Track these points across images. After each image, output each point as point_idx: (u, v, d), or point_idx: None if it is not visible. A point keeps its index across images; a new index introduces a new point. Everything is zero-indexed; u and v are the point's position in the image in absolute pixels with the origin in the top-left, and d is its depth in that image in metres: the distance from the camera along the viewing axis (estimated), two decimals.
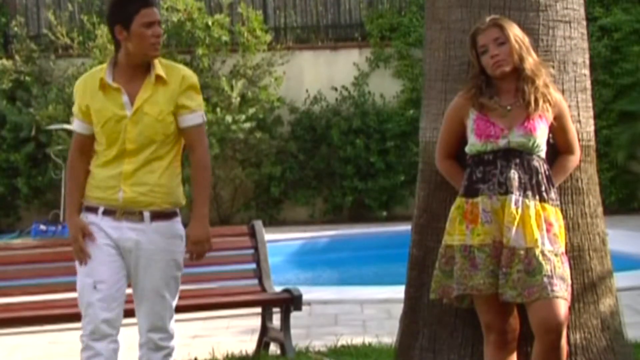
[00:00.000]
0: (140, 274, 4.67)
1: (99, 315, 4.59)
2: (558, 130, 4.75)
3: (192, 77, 4.69)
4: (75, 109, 4.73)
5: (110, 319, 4.62)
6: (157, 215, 4.64)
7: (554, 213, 4.61)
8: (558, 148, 4.80)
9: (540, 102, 4.62)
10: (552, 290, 4.48)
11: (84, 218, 4.70)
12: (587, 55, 5.12)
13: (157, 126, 4.60)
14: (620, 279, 5.58)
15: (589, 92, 5.13)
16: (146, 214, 4.63)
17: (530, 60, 4.64)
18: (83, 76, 4.81)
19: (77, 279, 4.72)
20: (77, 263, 4.70)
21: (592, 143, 5.10)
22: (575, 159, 4.84)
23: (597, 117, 5.79)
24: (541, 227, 4.55)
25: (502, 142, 4.61)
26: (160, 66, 4.64)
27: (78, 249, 4.65)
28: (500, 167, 4.59)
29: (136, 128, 4.58)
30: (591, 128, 5.10)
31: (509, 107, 4.65)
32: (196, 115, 4.68)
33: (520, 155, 4.60)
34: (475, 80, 4.70)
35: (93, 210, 4.68)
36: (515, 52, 4.61)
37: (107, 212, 4.64)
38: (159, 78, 4.60)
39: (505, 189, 4.56)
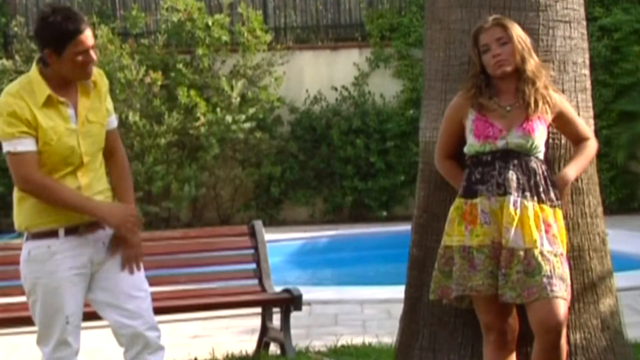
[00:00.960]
0: (114, 279, 4.41)
1: (72, 351, 4.39)
2: (564, 126, 4.75)
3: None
4: (20, 128, 4.20)
5: (78, 349, 4.43)
6: None
7: (552, 214, 4.61)
8: (573, 142, 4.80)
9: (540, 103, 4.62)
10: (552, 291, 4.48)
11: (37, 249, 4.34)
12: (587, 55, 5.12)
13: (103, 132, 4.42)
14: (620, 279, 5.59)
15: (589, 92, 5.13)
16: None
17: (532, 62, 4.63)
18: (14, 92, 4.26)
19: (40, 305, 4.37)
20: (37, 291, 4.36)
21: None
22: (592, 143, 4.82)
23: (597, 117, 5.78)
24: (540, 227, 4.55)
25: (500, 143, 4.61)
26: None
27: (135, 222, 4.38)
28: (498, 168, 4.59)
29: (89, 139, 4.34)
30: (591, 128, 5.10)
31: (508, 108, 4.65)
32: (115, 117, 4.58)
33: (519, 156, 4.60)
34: (475, 80, 4.69)
35: (50, 235, 4.31)
36: (518, 52, 4.61)
37: (68, 231, 4.33)
38: (94, 84, 4.40)
39: (503, 190, 4.56)
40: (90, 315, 4.69)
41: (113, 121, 4.54)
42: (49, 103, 4.24)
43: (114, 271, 4.44)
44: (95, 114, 4.36)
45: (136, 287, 4.46)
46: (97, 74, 4.42)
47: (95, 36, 14.97)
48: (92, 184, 4.35)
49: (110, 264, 4.44)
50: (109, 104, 4.50)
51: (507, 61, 4.60)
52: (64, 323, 4.34)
